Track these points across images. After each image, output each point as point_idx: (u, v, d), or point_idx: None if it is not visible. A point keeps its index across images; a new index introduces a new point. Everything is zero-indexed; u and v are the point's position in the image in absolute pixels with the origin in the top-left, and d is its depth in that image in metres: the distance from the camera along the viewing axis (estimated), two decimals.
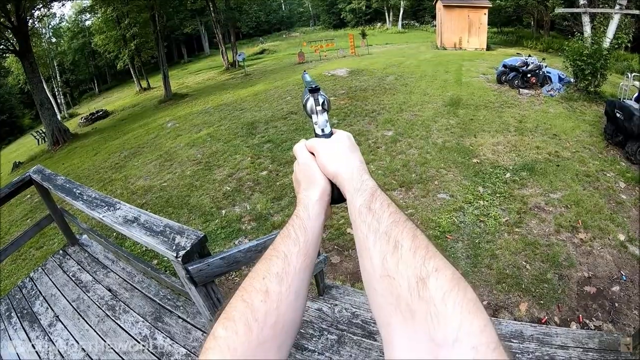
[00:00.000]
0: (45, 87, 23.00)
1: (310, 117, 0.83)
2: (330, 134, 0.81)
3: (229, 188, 8.21)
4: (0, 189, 3.86)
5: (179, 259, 2.01)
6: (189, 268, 2.03)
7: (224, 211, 7.28)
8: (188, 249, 2.04)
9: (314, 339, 3.16)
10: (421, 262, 0.46)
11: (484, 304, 4.55)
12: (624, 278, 4.85)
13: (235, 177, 8.75)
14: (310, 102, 0.81)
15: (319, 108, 0.81)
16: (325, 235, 5.99)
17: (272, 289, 0.56)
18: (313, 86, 0.82)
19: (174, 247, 2.07)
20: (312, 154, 0.79)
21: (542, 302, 4.52)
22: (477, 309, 0.40)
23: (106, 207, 2.71)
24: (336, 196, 0.76)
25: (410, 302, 0.43)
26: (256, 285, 0.57)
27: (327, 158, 0.75)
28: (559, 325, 4.16)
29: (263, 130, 11.75)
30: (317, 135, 0.82)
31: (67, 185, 3.33)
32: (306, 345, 3.09)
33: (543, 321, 4.24)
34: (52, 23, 37.35)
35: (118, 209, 2.64)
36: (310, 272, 0.65)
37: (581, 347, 3.18)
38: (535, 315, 4.37)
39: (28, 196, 10.06)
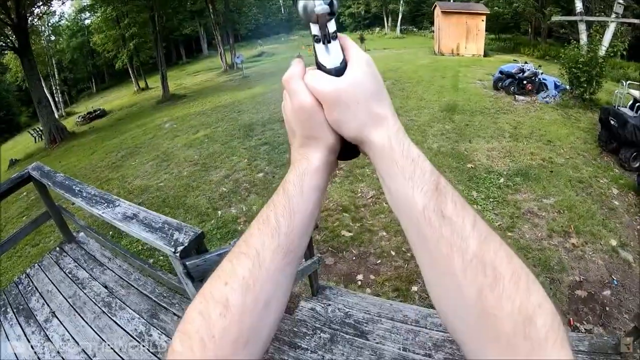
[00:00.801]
0: (43, 85, 23.01)
1: (308, 27, 0.53)
2: (343, 64, 0.54)
3: (225, 189, 8.25)
4: None
5: (177, 255, 2.06)
6: (187, 263, 2.08)
7: (220, 212, 7.32)
8: (186, 244, 2.09)
9: (307, 338, 3.21)
10: (526, 297, 0.40)
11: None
12: (615, 282, 4.92)
13: (231, 178, 8.79)
14: (309, 2, 0.50)
15: (321, 9, 0.50)
16: (319, 237, 6.04)
17: (233, 300, 0.46)
18: None
19: (172, 243, 2.12)
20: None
21: None
22: (567, 342, 0.39)
23: (106, 204, 2.75)
24: (345, 150, 0.59)
25: (514, 341, 0.38)
26: (215, 293, 0.46)
27: (344, 112, 0.53)
28: None
29: (260, 132, 11.80)
30: (319, 67, 0.54)
31: (67, 182, 3.37)
32: (299, 344, 3.13)
33: None
34: (51, 21, 37.22)
35: (117, 205, 2.68)
36: (293, 269, 0.53)
37: (572, 350, 3.22)
38: None
39: (24, 193, 10.06)
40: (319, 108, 0.54)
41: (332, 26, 0.52)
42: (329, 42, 0.53)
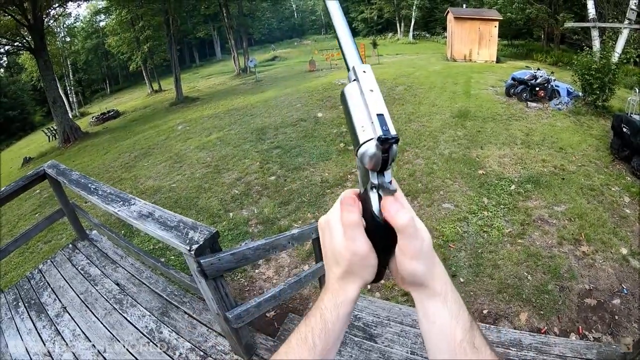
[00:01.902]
0: (58, 85, 23.25)
1: (365, 174, 0.55)
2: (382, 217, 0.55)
3: (237, 191, 8.30)
4: (15, 181, 3.96)
5: (192, 253, 2.09)
6: (201, 261, 2.12)
7: (231, 214, 7.37)
8: (201, 243, 2.12)
9: None
10: None
11: (484, 312, 4.61)
12: (625, 291, 4.88)
13: (243, 181, 8.84)
14: (375, 156, 0.50)
15: (389, 167, 0.53)
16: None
17: None
18: (389, 136, 0.48)
19: (187, 241, 2.16)
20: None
21: (542, 312, 4.56)
22: None
23: (121, 202, 2.80)
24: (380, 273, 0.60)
25: None
26: None
27: (414, 250, 0.55)
28: (559, 336, 4.20)
29: (272, 136, 11.86)
30: (371, 214, 0.55)
31: (82, 181, 3.42)
32: None
33: (542, 331, 4.28)
34: (67, 22, 37.62)
35: (133, 204, 2.73)
36: None
37: (579, 358, 3.22)
38: (535, 325, 4.41)
39: (37, 191, 10.20)
40: (373, 254, 0.56)
41: (390, 174, 0.55)
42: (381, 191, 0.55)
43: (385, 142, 0.48)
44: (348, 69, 0.56)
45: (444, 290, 0.57)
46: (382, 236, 0.56)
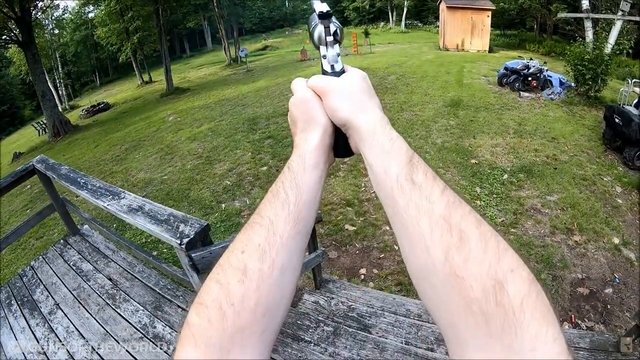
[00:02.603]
0: (47, 78, 23.07)
1: (318, 49, 0.68)
2: (342, 72, 0.67)
3: (229, 182, 8.26)
4: (3, 177, 3.91)
5: (183, 247, 2.07)
6: (193, 255, 2.09)
7: (223, 205, 7.33)
8: (192, 236, 2.10)
9: (310, 330, 3.23)
10: (495, 260, 0.39)
11: None
12: (617, 280, 4.92)
13: (235, 171, 8.80)
14: (319, 30, 0.66)
15: (330, 38, 0.66)
16: (323, 231, 6.05)
17: (251, 266, 0.47)
18: (324, 11, 0.66)
19: (178, 235, 2.13)
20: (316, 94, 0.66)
21: None
22: (551, 315, 0.37)
23: (111, 196, 2.76)
24: (341, 147, 0.66)
25: (485, 307, 0.37)
26: (233, 261, 0.48)
27: (337, 100, 0.61)
28: None
29: (264, 126, 11.80)
30: (324, 73, 0.67)
31: (72, 175, 3.38)
32: (302, 336, 3.15)
33: None
34: (55, 14, 37.28)
35: (123, 198, 2.69)
36: (304, 239, 0.55)
37: (572, 347, 3.23)
38: None
39: (28, 186, 10.10)
40: (316, 98, 0.64)
41: (337, 49, 0.67)
42: (333, 67, 0.67)
43: (323, 15, 0.66)
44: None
45: (371, 127, 0.57)
46: None
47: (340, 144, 0.66)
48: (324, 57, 0.67)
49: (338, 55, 0.67)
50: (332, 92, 0.62)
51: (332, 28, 0.66)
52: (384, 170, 0.52)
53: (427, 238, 0.43)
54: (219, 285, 0.46)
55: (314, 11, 0.69)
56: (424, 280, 0.45)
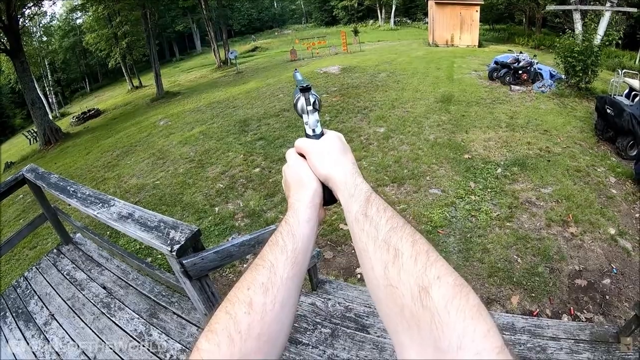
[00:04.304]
0: (36, 86, 22.86)
1: (301, 117, 0.81)
2: (321, 134, 0.80)
3: (221, 185, 8.22)
4: None
5: (174, 253, 2.03)
6: (184, 262, 2.06)
7: (217, 208, 7.29)
8: (182, 243, 2.06)
9: (307, 333, 3.20)
10: (422, 270, 0.46)
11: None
12: (615, 271, 4.92)
13: (228, 174, 8.76)
14: (301, 102, 0.79)
15: (310, 108, 0.79)
16: (318, 231, 6.03)
17: (256, 300, 0.55)
18: (304, 85, 0.79)
19: (168, 242, 2.09)
20: (303, 156, 0.78)
21: (533, 295, 4.58)
22: (479, 314, 0.40)
23: (100, 204, 2.72)
24: (328, 198, 0.76)
25: (414, 311, 0.43)
26: (240, 296, 0.56)
27: (318, 159, 0.74)
28: (551, 318, 4.22)
29: (255, 127, 11.76)
30: (307, 136, 0.80)
31: (61, 184, 3.34)
32: (300, 339, 3.12)
33: (535, 314, 4.30)
34: (43, 21, 37.02)
35: (112, 205, 2.65)
36: (299, 280, 0.63)
37: (572, 339, 3.22)
38: (527, 308, 4.42)
39: (20, 196, 10.02)
40: (304, 163, 0.77)
41: (317, 116, 0.80)
42: (314, 131, 0.80)
43: (304, 89, 0.79)
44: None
45: (342, 179, 0.69)
46: None
47: (326, 195, 0.75)
48: (306, 123, 0.80)
49: (317, 121, 0.80)
50: (314, 153, 0.75)
51: (312, 99, 0.79)
52: (349, 210, 0.63)
53: (372, 258, 0.53)
54: (228, 315, 0.53)
55: (297, 86, 0.83)
56: (374, 294, 0.54)
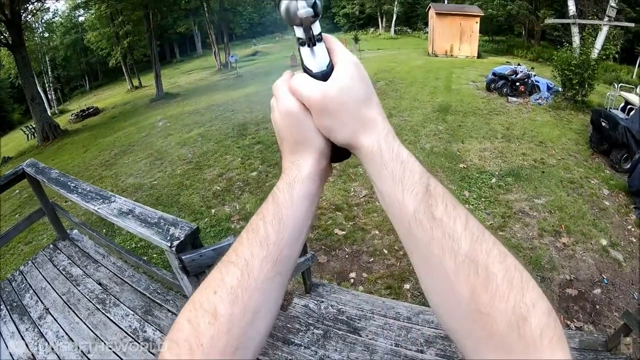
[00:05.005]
0: (36, 82, 22.88)
1: (292, 28, 0.52)
2: (330, 66, 0.53)
3: (218, 188, 8.26)
4: None
5: (173, 249, 2.08)
6: (183, 258, 2.10)
7: (213, 210, 7.33)
8: (182, 239, 2.10)
9: (300, 334, 3.24)
10: (520, 297, 0.39)
11: None
12: (605, 281, 5.00)
13: (225, 177, 8.80)
14: (292, 3, 0.49)
15: (305, 12, 0.48)
16: (312, 235, 6.07)
17: (221, 310, 0.45)
18: None
19: (168, 238, 2.14)
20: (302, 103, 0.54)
21: None
22: (564, 342, 0.39)
23: (101, 200, 2.76)
24: (336, 151, 0.57)
25: (508, 339, 0.38)
26: (204, 302, 0.46)
27: (332, 118, 0.52)
28: None
29: (254, 131, 11.81)
30: (305, 70, 0.54)
31: (62, 179, 3.37)
32: (292, 340, 3.16)
33: None
34: (45, 17, 36.99)
35: (113, 201, 2.70)
36: (284, 280, 0.52)
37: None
38: None
39: (17, 191, 10.02)
40: (307, 113, 0.53)
41: (316, 28, 0.51)
42: (314, 44, 0.52)
43: None
44: None
45: (377, 149, 0.50)
46: None
47: (335, 147, 0.56)
48: (302, 43, 0.52)
49: (320, 38, 0.52)
50: (324, 108, 0.51)
51: None
52: (399, 203, 0.47)
53: (452, 277, 0.42)
54: (189, 324, 0.45)
55: None
56: (446, 312, 0.45)
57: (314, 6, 0.48)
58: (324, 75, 0.52)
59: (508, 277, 0.40)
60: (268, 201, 0.53)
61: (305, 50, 0.52)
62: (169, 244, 2.09)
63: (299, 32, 0.50)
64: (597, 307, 4.64)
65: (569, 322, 4.42)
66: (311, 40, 0.51)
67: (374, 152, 0.50)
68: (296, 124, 0.54)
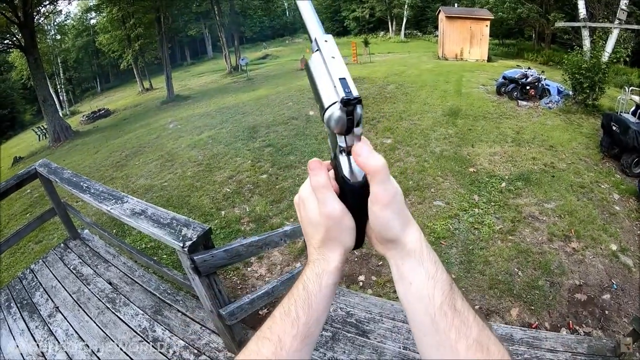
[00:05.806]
0: (48, 83, 23.10)
1: (334, 139, 0.56)
2: (365, 178, 0.55)
3: (229, 190, 8.29)
4: (6, 180, 3.95)
5: (185, 249, 2.10)
6: (195, 258, 2.12)
7: (223, 212, 7.35)
8: (194, 239, 2.13)
9: None
10: None
11: (476, 308, 4.64)
12: (615, 287, 4.95)
13: (235, 179, 8.82)
14: (340, 119, 0.51)
15: (357, 130, 0.53)
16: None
17: None
18: (351, 97, 0.49)
19: (180, 238, 2.16)
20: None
21: (533, 307, 4.61)
22: None
23: (114, 200, 2.80)
24: (358, 239, 0.61)
25: None
26: None
27: (395, 213, 0.56)
28: (549, 331, 4.24)
29: (264, 134, 11.83)
30: (344, 178, 0.56)
31: (74, 179, 3.42)
32: None
33: (534, 326, 4.32)
34: (57, 20, 37.32)
35: (126, 202, 2.73)
36: (310, 347, 0.59)
37: (570, 352, 3.25)
38: (526, 320, 4.45)
39: (28, 191, 10.13)
40: (347, 215, 0.58)
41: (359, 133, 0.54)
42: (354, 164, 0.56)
43: (348, 103, 0.49)
44: (311, 41, 0.57)
45: (418, 248, 0.57)
46: (356, 198, 0.57)
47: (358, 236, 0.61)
48: (341, 150, 0.55)
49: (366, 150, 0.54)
50: (393, 201, 0.55)
51: (358, 113, 0.51)
52: (428, 296, 0.54)
53: (462, 355, 0.51)
54: None
55: (330, 77, 0.52)
56: None
57: (359, 123, 0.52)
58: (362, 187, 0.56)
59: (501, 353, 0.51)
60: (299, 287, 0.60)
61: (344, 159, 0.56)
62: (182, 244, 2.12)
63: (341, 140, 0.54)
64: (606, 312, 4.60)
65: (577, 328, 4.38)
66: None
67: (415, 250, 0.57)
68: (336, 226, 0.58)
